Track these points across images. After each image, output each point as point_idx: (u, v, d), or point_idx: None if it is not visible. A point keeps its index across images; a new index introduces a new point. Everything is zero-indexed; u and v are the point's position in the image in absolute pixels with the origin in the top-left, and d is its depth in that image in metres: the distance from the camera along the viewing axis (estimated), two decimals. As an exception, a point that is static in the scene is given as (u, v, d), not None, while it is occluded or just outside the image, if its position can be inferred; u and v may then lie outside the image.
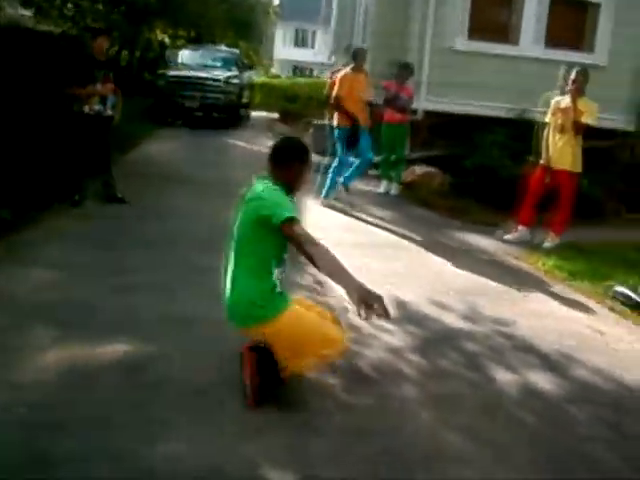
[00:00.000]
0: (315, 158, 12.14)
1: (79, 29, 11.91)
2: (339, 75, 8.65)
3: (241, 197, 3.74)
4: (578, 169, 7.09)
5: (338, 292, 4.22)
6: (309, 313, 3.71)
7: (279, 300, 3.56)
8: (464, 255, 6.79)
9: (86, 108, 7.30)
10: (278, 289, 3.58)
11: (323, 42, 43.74)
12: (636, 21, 10.02)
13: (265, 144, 13.81)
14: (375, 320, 4.55)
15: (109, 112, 7.45)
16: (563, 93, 7.34)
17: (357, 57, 8.58)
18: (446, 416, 3.62)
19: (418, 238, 7.30)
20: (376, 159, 9.43)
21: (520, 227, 7.45)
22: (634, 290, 5.60)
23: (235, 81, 15.57)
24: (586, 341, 4.85)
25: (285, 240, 3.48)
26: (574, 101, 6.88)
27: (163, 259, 5.83)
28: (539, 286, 5.98)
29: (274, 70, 42.22)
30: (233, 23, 22.30)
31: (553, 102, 7.20)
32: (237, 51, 17.74)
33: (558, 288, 5.98)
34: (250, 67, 18.39)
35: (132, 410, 3.42)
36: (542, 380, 4.12)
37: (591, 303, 5.67)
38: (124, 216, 7.22)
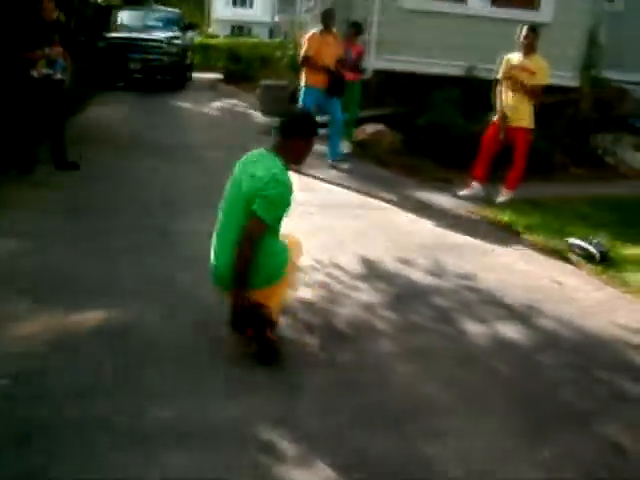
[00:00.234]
0: (263, 119, 12.14)
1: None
2: (307, 35, 8.53)
3: (241, 166, 3.76)
4: (531, 125, 7.24)
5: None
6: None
7: None
8: (423, 212, 6.91)
9: (34, 72, 7.07)
10: None
11: (262, 1, 43.12)
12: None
13: (212, 106, 13.73)
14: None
15: (59, 76, 7.24)
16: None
17: (325, 18, 8.45)
18: (425, 369, 3.76)
19: (377, 196, 7.38)
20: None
21: (474, 183, 7.59)
22: (588, 242, 5.80)
23: (177, 42, 15.24)
24: (547, 292, 5.04)
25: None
26: (525, 57, 7.01)
27: (131, 224, 5.78)
28: (497, 241, 6.15)
29: (212, 30, 41.38)
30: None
31: (505, 59, 7.29)
32: (178, 11, 17.34)
33: (515, 242, 6.17)
34: (191, 27, 18.00)
35: (116, 376, 3.44)
36: (510, 331, 4.29)
37: (547, 256, 5.87)
38: (81, 182, 7.08)
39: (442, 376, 3.69)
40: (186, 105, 13.42)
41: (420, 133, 9.37)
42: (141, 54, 14.34)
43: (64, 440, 2.90)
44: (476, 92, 9.56)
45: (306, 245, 4.12)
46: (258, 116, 12.56)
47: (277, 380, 3.51)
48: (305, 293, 4.49)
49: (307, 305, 4.34)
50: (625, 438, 3.25)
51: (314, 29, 8.55)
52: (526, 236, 6.30)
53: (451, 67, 9.98)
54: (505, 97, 7.24)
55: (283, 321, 4.04)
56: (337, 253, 5.31)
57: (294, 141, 3.69)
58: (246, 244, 3.49)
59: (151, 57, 14.43)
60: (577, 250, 5.81)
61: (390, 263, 5.30)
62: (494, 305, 4.69)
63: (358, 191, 7.53)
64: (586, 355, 4.09)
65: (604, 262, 5.64)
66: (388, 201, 7.25)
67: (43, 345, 3.68)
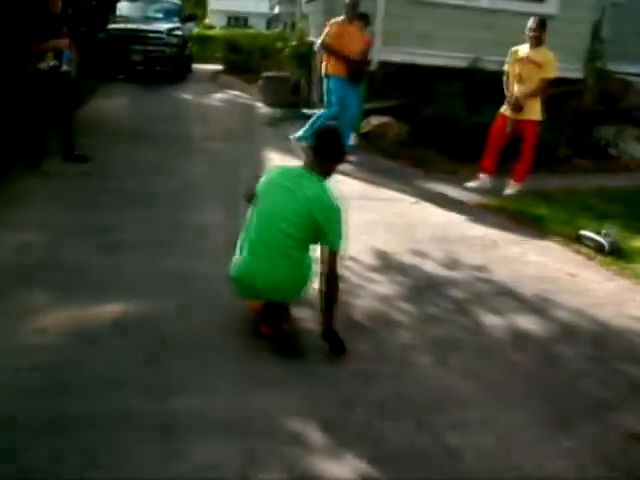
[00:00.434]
0: (266, 110, 12.15)
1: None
2: (328, 23, 8.50)
3: (279, 180, 3.79)
4: (540, 117, 7.25)
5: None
6: None
7: None
8: (432, 204, 6.93)
9: (41, 64, 7.06)
10: None
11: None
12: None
13: (214, 97, 13.71)
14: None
15: (65, 67, 7.22)
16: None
17: (349, 8, 8.45)
18: (444, 360, 3.78)
19: (385, 188, 7.40)
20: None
21: (482, 175, 7.60)
22: (598, 234, 5.83)
23: (178, 33, 15.16)
24: (560, 283, 5.06)
25: None
26: (533, 50, 7.02)
27: (144, 217, 5.77)
28: (507, 232, 6.17)
29: (208, 21, 41.22)
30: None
31: (512, 51, 7.29)
32: (179, 2, 17.27)
33: (525, 233, 6.18)
34: (191, 18, 17.93)
35: (139, 368, 3.45)
36: (526, 322, 4.32)
37: (558, 247, 5.89)
38: (89, 175, 7.07)
39: (462, 367, 3.71)
40: (188, 97, 13.39)
41: (425, 125, 9.37)
42: (142, 45, 14.28)
43: (90, 433, 2.91)
44: (481, 84, 9.57)
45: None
46: (261, 107, 12.56)
47: (298, 372, 3.53)
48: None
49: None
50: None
51: (337, 18, 8.51)
52: (535, 228, 6.32)
53: (456, 59, 9.95)
54: (513, 89, 7.23)
55: (301, 313, 4.05)
56: (351, 246, 5.28)
57: (329, 163, 3.80)
58: (334, 281, 3.66)
59: (152, 48, 14.37)
60: (587, 241, 5.84)
61: (403, 255, 5.32)
62: (509, 296, 4.71)
63: (366, 182, 7.54)
64: (602, 346, 4.12)
65: (614, 254, 5.67)
66: (396, 193, 7.26)
67: (63, 338, 3.70)
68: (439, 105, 9.38)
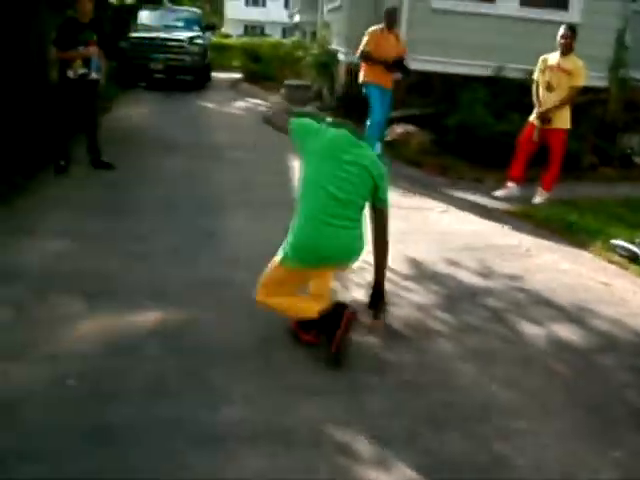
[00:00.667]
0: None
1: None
2: (367, 32, 8.52)
3: (336, 141, 3.69)
4: (568, 126, 7.23)
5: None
6: None
7: None
8: (460, 211, 6.91)
9: (70, 72, 7.12)
10: None
11: (275, 1, 43.15)
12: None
13: (235, 105, 13.76)
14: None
15: (94, 75, 7.27)
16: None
17: (386, 16, 8.50)
18: (486, 369, 3.75)
19: (413, 196, 7.39)
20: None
21: (510, 183, 7.58)
22: (631, 243, 5.79)
23: (199, 41, 15.28)
24: (595, 293, 5.03)
25: None
26: (563, 57, 7.01)
27: (171, 224, 5.80)
28: (538, 241, 6.14)
29: (224, 29, 41.46)
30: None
31: (541, 59, 7.28)
32: (199, 11, 17.38)
33: (556, 242, 6.15)
34: (211, 27, 18.04)
35: (182, 377, 3.45)
36: (565, 332, 4.28)
37: (590, 256, 5.86)
38: (116, 182, 7.11)
39: (504, 377, 3.68)
40: (210, 105, 13.46)
41: (449, 133, 9.36)
42: (163, 54, 14.39)
43: (136, 442, 2.91)
44: (505, 92, 9.57)
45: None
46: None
47: (342, 381, 3.51)
48: (358, 294, 4.50)
49: (362, 305, 4.33)
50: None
51: (376, 27, 8.52)
52: (566, 236, 6.29)
53: (480, 67, 9.96)
54: (542, 97, 7.20)
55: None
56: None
57: None
58: (387, 235, 3.86)
59: (173, 57, 14.48)
60: (620, 250, 5.80)
61: (437, 264, 5.30)
62: (545, 306, 4.68)
63: (393, 191, 7.47)
64: (644, 357, 4.08)
65: (648, 263, 5.63)
66: (424, 201, 7.26)
67: (102, 346, 3.70)
68: (463, 113, 9.36)
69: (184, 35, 15.04)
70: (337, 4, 13.34)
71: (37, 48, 7.91)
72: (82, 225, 5.60)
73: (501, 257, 5.60)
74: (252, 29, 43.25)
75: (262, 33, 41.44)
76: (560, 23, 7.62)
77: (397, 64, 8.43)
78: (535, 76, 7.34)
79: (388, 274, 4.85)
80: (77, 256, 4.95)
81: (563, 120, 7.18)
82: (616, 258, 5.76)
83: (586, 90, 8.54)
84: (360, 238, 3.75)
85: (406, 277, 4.97)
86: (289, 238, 3.69)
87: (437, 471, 2.86)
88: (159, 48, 14.47)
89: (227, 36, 34.62)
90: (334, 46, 12.88)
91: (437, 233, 6.15)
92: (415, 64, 9.95)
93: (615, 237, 6.03)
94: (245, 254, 5.11)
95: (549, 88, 7.14)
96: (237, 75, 19.20)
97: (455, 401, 3.41)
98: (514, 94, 9.16)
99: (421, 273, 5.08)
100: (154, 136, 9.79)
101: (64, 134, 7.42)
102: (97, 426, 2.98)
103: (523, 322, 4.37)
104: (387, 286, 4.65)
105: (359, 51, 8.61)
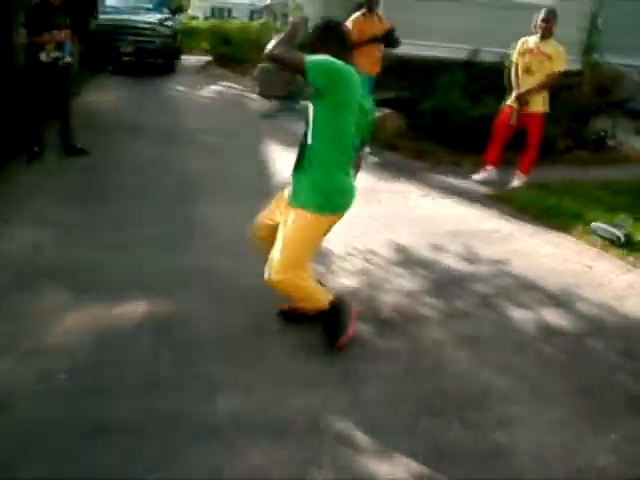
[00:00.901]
0: (261, 102, 12.04)
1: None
2: (350, 20, 8.33)
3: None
4: (546, 109, 7.24)
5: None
6: None
7: None
8: (440, 196, 6.91)
9: (43, 56, 6.92)
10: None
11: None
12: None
13: (208, 89, 13.56)
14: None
15: (67, 59, 7.09)
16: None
17: (367, 1, 8.32)
18: (479, 355, 3.76)
19: (393, 180, 7.37)
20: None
21: (488, 167, 7.58)
22: (611, 225, 5.83)
23: (169, 24, 15.00)
24: (579, 276, 5.06)
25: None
26: (542, 41, 7.01)
27: (150, 212, 5.70)
28: (520, 225, 6.16)
29: (191, 12, 40.84)
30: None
31: (520, 42, 7.26)
32: (167, -8, 17.08)
33: (537, 226, 6.17)
34: (181, 10, 17.75)
35: (175, 369, 3.40)
36: (553, 316, 4.31)
37: (572, 239, 5.89)
38: (92, 168, 6.96)
39: (497, 363, 3.69)
40: (182, 88, 13.26)
41: (425, 117, 9.34)
42: (133, 37, 14.08)
43: (134, 437, 2.86)
44: (481, 76, 9.57)
45: (337, 231, 3.94)
46: (255, 99, 12.45)
47: (336, 369, 3.49)
48: (347, 280, 4.47)
49: (351, 292, 4.31)
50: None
51: (357, 13, 8.36)
52: (546, 220, 6.31)
53: (455, 50, 9.96)
54: (520, 80, 7.20)
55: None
56: (369, 239, 5.28)
57: None
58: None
59: (144, 39, 14.18)
60: (601, 233, 5.84)
61: (422, 249, 5.28)
62: (532, 290, 4.70)
63: (372, 175, 7.47)
64: (631, 339, 4.12)
65: (628, 245, 5.67)
66: (404, 185, 7.24)
67: (92, 338, 3.62)
68: (439, 97, 9.35)
69: (154, 17, 14.75)
70: (309, -14, 13.22)
71: (2, 30, 7.68)
72: (60, 213, 5.47)
73: (484, 241, 5.60)
74: (219, 11, 42.70)
75: (229, 15, 40.91)
76: (535, 6, 7.62)
77: (386, 37, 8.28)
78: (514, 58, 7.32)
79: (374, 259, 4.90)
80: (57, 246, 4.83)
81: (541, 103, 7.19)
82: (597, 241, 5.80)
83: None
84: None
85: (392, 262, 4.95)
86: (323, 189, 3.52)
87: (438, 460, 2.86)
88: (129, 31, 14.15)
89: (194, 18, 34.08)
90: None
91: (419, 218, 6.14)
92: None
93: (595, 220, 6.06)
94: (227, 241, 5.05)
95: (528, 71, 7.14)
96: (206, 58, 18.94)
97: (451, 389, 3.41)
98: (490, 78, 9.15)
99: (407, 258, 5.07)
100: (127, 121, 9.60)
101: (37, 120, 7.22)
102: (94, 423, 2.92)
103: (511, 307, 4.39)
104: (375, 271, 4.67)
105: None
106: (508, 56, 7.57)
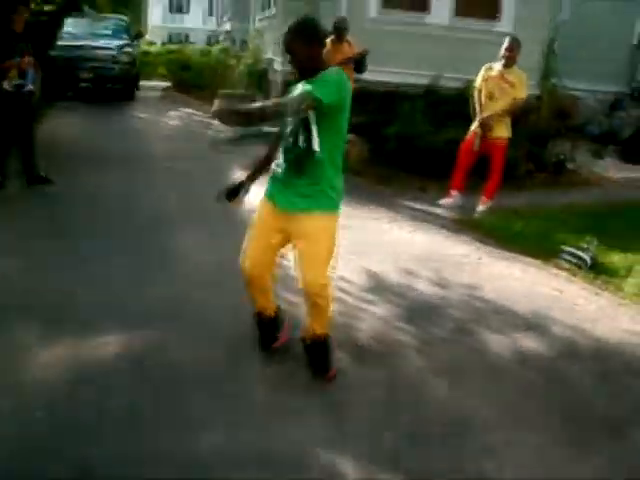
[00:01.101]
0: (224, 128, 11.97)
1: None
2: None
3: None
4: (509, 135, 7.36)
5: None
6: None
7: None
8: (408, 222, 6.96)
9: (5, 84, 6.82)
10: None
11: (199, 7, 42.79)
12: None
13: (169, 115, 13.52)
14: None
15: (30, 87, 7.00)
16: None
17: (337, 27, 8.39)
18: (458, 382, 3.77)
19: (359, 206, 7.35)
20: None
21: (453, 192, 7.65)
22: (578, 249, 5.93)
23: (128, 50, 14.95)
24: (550, 300, 5.12)
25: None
26: (505, 68, 7.14)
27: (120, 241, 5.64)
28: (488, 249, 6.22)
29: (148, 37, 40.75)
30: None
31: (484, 68, 7.37)
32: (126, 18, 17.00)
33: (505, 251, 6.23)
34: (141, 35, 17.70)
35: (155, 404, 3.34)
36: (528, 340, 4.35)
37: (540, 263, 5.96)
38: (57, 197, 6.86)
39: (477, 389, 3.71)
40: (143, 115, 13.20)
41: (389, 142, 9.40)
42: (93, 63, 14.00)
43: (117, 478, 2.79)
44: (444, 102, 9.70)
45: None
46: (218, 125, 12.38)
47: (318, 399, 3.48)
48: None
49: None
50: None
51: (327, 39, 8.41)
52: (513, 244, 6.38)
53: (418, 76, 10.08)
54: (483, 106, 7.31)
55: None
56: (341, 266, 5.24)
57: None
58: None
59: (103, 65, 14.10)
60: (568, 257, 5.93)
61: (394, 275, 5.30)
62: (505, 315, 4.74)
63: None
64: (605, 362, 4.18)
65: (595, 268, 5.77)
66: (371, 212, 7.26)
67: (68, 374, 3.56)
68: (402, 123, 9.43)
69: (113, 43, 14.70)
70: (271, 13, 13.29)
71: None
72: (26, 245, 5.36)
73: (455, 267, 5.65)
74: (176, 36, 42.65)
75: (186, 41, 40.91)
76: (493, 33, 7.79)
77: (359, 60, 8.34)
78: (477, 84, 7.43)
79: (348, 286, 4.89)
80: (26, 278, 4.74)
81: (504, 129, 7.30)
82: (565, 264, 5.88)
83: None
84: None
85: (365, 290, 4.96)
86: (337, 187, 3.54)
87: (426, 490, 2.84)
88: (88, 57, 14.07)
89: (151, 44, 34.00)
90: (270, 55, 12.83)
91: (389, 244, 6.16)
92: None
93: (561, 243, 6.16)
94: (198, 270, 5.03)
95: (492, 98, 7.25)
96: (164, 84, 18.91)
97: (433, 416, 3.41)
98: (453, 104, 9.29)
99: (379, 285, 5.07)
100: (90, 149, 9.50)
101: (0, 148, 7.10)
102: (77, 462, 2.84)
103: (486, 332, 4.42)
104: (349, 299, 4.66)
105: None
106: (471, 82, 7.70)
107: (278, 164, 3.54)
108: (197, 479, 2.80)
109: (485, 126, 7.26)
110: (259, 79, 12.49)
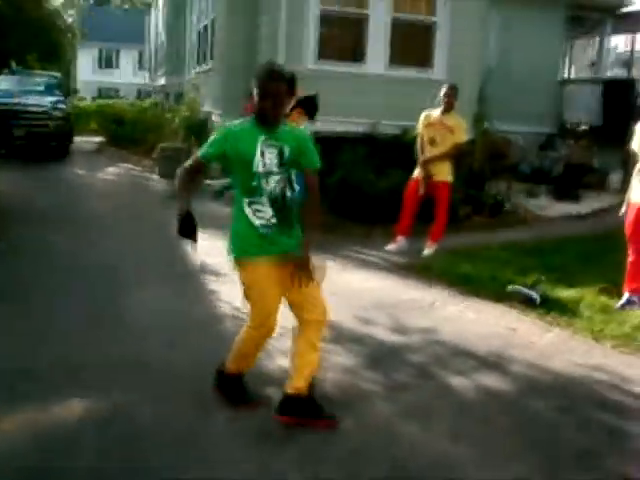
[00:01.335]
0: (163, 183, 11.91)
1: None
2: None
3: None
4: (451, 178, 7.56)
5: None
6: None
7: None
8: (358, 269, 7.02)
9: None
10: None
11: (129, 61, 42.81)
12: (469, 41, 10.95)
13: (108, 171, 13.37)
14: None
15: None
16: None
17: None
18: (427, 425, 3.80)
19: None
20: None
21: (399, 237, 7.78)
22: (526, 287, 6.08)
23: (62, 106, 14.81)
24: (505, 339, 5.22)
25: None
26: (444, 114, 7.37)
27: (77, 301, 5.52)
28: (439, 292, 6.32)
29: (78, 93, 40.47)
30: (41, 46, 21.28)
31: (424, 115, 7.59)
32: (58, 75, 16.87)
33: (455, 292, 6.34)
34: (74, 91, 17.55)
35: (124, 468, 3.25)
36: (489, 380, 4.42)
37: (491, 303, 6.07)
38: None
39: (447, 430, 3.74)
40: (81, 172, 13.04)
41: (330, 191, 9.48)
42: (26, 120, 13.80)
43: None
44: (383, 149, 9.89)
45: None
46: (157, 180, 12.34)
47: (292, 453, 3.43)
48: (281, 361, 4.41)
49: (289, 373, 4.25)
50: (632, 469, 3.47)
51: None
52: (465, 286, 6.48)
53: (356, 125, 10.27)
54: (425, 152, 7.50)
55: (271, 392, 3.96)
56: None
57: None
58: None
59: (36, 122, 13.91)
60: (517, 295, 6.06)
61: (350, 323, 5.31)
62: (463, 356, 4.81)
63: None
64: (566, 396, 4.27)
65: (544, 305, 5.91)
66: (319, 259, 7.25)
67: (31, 441, 3.43)
68: (344, 171, 9.54)
69: (46, 100, 14.54)
70: (208, 67, 13.39)
71: None
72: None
73: (409, 311, 5.71)
74: (106, 91, 42.53)
75: (117, 95, 40.80)
76: (427, 80, 8.03)
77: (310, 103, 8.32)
78: (419, 131, 7.63)
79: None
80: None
81: (447, 173, 7.51)
82: (515, 303, 6.00)
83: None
84: None
85: (324, 340, 4.92)
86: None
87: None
88: (21, 114, 13.86)
89: (82, 99, 33.76)
90: (207, 108, 12.88)
91: (341, 292, 6.13)
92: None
93: (509, 282, 6.30)
94: (156, 327, 4.95)
95: (433, 143, 7.46)
96: (97, 139, 18.72)
97: (409, 461, 3.41)
98: (392, 150, 9.49)
99: (338, 334, 5.06)
100: (29, 208, 9.30)
101: None
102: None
103: (448, 374, 4.46)
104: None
105: None
106: (409, 129, 7.90)
107: (263, 225, 3.61)
108: None
109: (425, 170, 7.44)
110: (198, 131, 12.46)
